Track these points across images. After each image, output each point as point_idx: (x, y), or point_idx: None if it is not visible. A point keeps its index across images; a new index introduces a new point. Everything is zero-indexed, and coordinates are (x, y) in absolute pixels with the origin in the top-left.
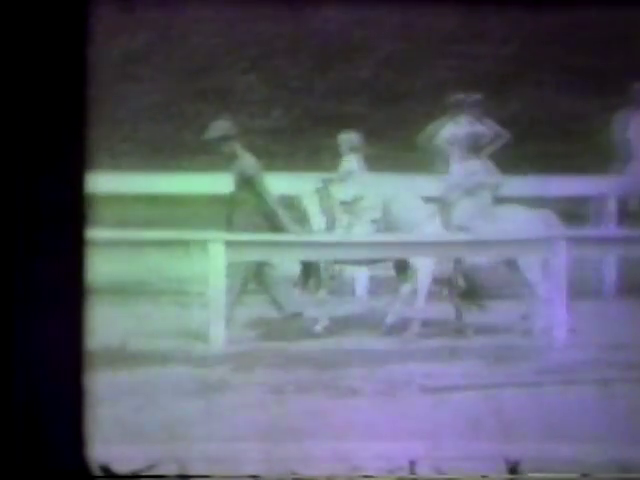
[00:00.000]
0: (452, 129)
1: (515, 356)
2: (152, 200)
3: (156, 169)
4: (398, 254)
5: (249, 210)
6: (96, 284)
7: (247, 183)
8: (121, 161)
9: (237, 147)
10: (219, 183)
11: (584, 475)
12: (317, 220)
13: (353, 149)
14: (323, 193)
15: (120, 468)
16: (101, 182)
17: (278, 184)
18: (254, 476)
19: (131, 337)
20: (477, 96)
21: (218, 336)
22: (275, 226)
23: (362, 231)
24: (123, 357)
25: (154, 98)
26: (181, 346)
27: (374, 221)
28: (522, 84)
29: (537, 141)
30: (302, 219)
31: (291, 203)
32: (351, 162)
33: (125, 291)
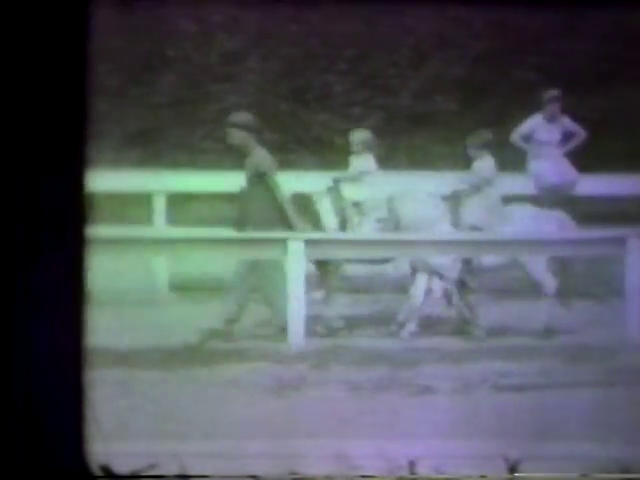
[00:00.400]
0: (527, 126)
1: (588, 356)
2: (230, 198)
3: (233, 168)
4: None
5: (261, 206)
6: (174, 283)
7: (260, 179)
8: (199, 159)
9: (251, 142)
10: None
11: (583, 475)
12: (329, 220)
13: (367, 148)
14: (334, 193)
15: (120, 468)
16: (180, 181)
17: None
18: (254, 476)
19: (210, 334)
20: (555, 92)
21: (298, 333)
22: (286, 223)
23: (368, 231)
24: (202, 354)
25: (247, 98)
26: (260, 343)
27: (379, 220)
28: (615, 82)
29: (628, 139)
30: (315, 218)
31: (304, 202)
32: (364, 161)
33: (203, 289)
